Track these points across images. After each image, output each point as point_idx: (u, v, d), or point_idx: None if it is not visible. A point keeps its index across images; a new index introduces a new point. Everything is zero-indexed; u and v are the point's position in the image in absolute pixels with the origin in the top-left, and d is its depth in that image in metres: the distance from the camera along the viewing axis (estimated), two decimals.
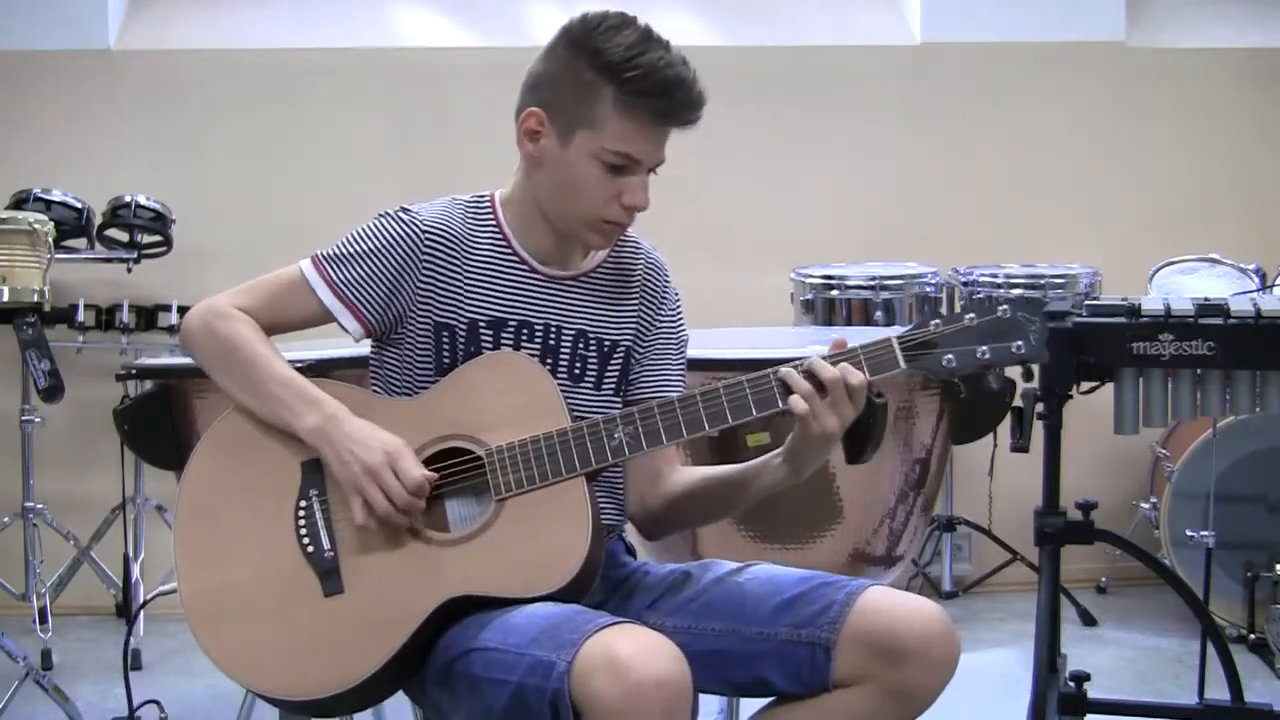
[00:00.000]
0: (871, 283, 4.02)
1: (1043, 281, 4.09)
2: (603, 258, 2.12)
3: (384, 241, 2.03)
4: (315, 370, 2.06)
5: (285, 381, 1.98)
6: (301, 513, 1.96)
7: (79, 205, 4.09)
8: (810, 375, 1.90)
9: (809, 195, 4.63)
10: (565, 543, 1.89)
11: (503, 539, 1.91)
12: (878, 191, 4.65)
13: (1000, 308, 1.90)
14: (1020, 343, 1.89)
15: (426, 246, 2.03)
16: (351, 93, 4.55)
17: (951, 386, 1.95)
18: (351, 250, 2.03)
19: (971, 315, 1.90)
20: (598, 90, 1.95)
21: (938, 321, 1.91)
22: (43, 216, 3.75)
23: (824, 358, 1.91)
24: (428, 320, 2.04)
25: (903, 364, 1.91)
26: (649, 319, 2.15)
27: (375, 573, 1.92)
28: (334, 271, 2.02)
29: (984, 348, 1.90)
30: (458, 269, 2.04)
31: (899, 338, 1.92)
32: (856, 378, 1.89)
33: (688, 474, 2.14)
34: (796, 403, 1.89)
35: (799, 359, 1.92)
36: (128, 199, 4.13)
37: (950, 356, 1.90)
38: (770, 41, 4.71)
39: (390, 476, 1.90)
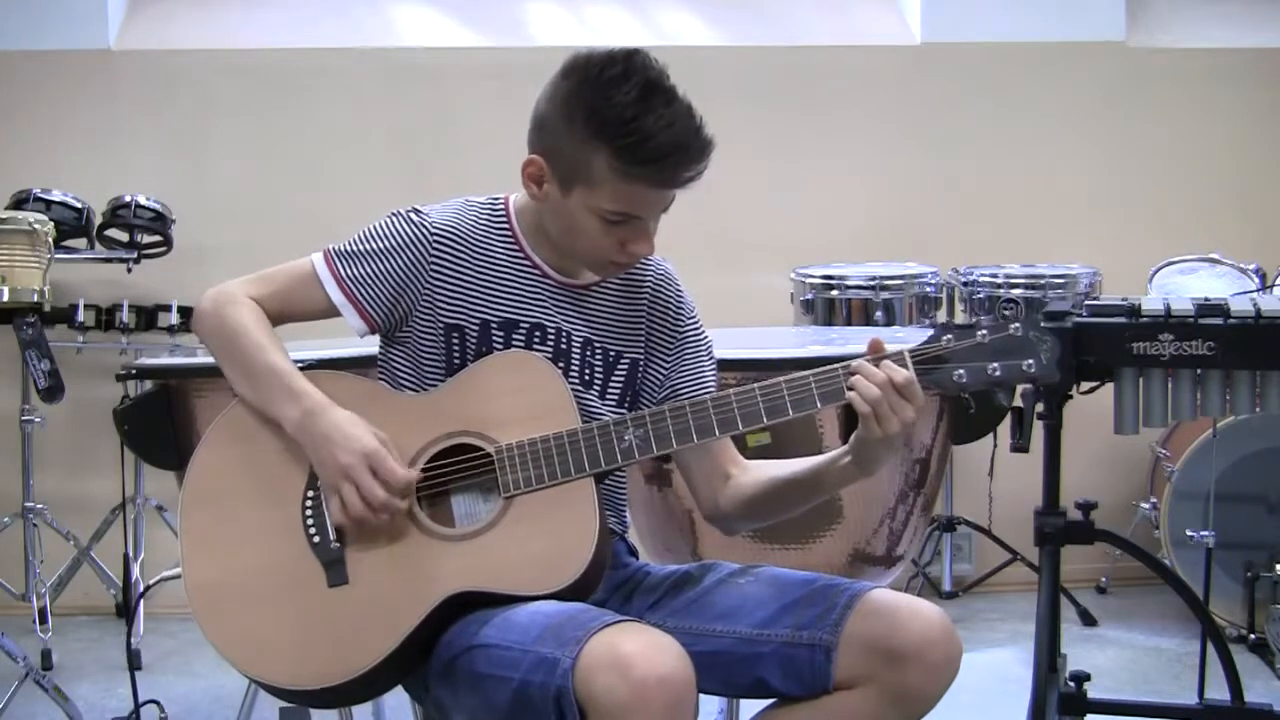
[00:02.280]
0: (871, 283, 4.02)
1: (1043, 281, 4.09)
2: None
3: (394, 242, 2.03)
4: (322, 368, 2.06)
5: (275, 372, 1.98)
6: (309, 503, 1.96)
7: (79, 205, 4.09)
8: (868, 378, 1.88)
9: (809, 195, 4.63)
10: (571, 543, 1.90)
11: (509, 537, 1.91)
12: (878, 191, 4.65)
13: (1013, 325, 1.89)
14: (1031, 361, 1.88)
15: (435, 248, 2.03)
16: (351, 92, 4.55)
17: (960, 400, 1.95)
18: (362, 248, 2.03)
19: (984, 332, 1.90)
20: (593, 151, 1.90)
21: (950, 336, 1.91)
22: (43, 216, 3.75)
23: (867, 358, 1.90)
24: (436, 321, 2.03)
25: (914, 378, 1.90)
26: (664, 330, 2.15)
27: (380, 566, 1.92)
28: (343, 267, 2.03)
29: (995, 365, 1.89)
30: (468, 271, 2.04)
31: (912, 351, 1.91)
32: (902, 375, 1.87)
33: (757, 475, 2.11)
34: (859, 404, 1.87)
35: (843, 359, 1.91)
36: (128, 199, 4.13)
37: (961, 372, 1.90)
38: (770, 41, 4.71)
39: (366, 476, 1.89)
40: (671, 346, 2.15)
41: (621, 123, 1.88)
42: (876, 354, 1.91)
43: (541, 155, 1.97)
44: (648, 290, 2.14)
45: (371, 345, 2.18)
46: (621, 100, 1.88)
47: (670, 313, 2.15)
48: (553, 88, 1.96)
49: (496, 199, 2.10)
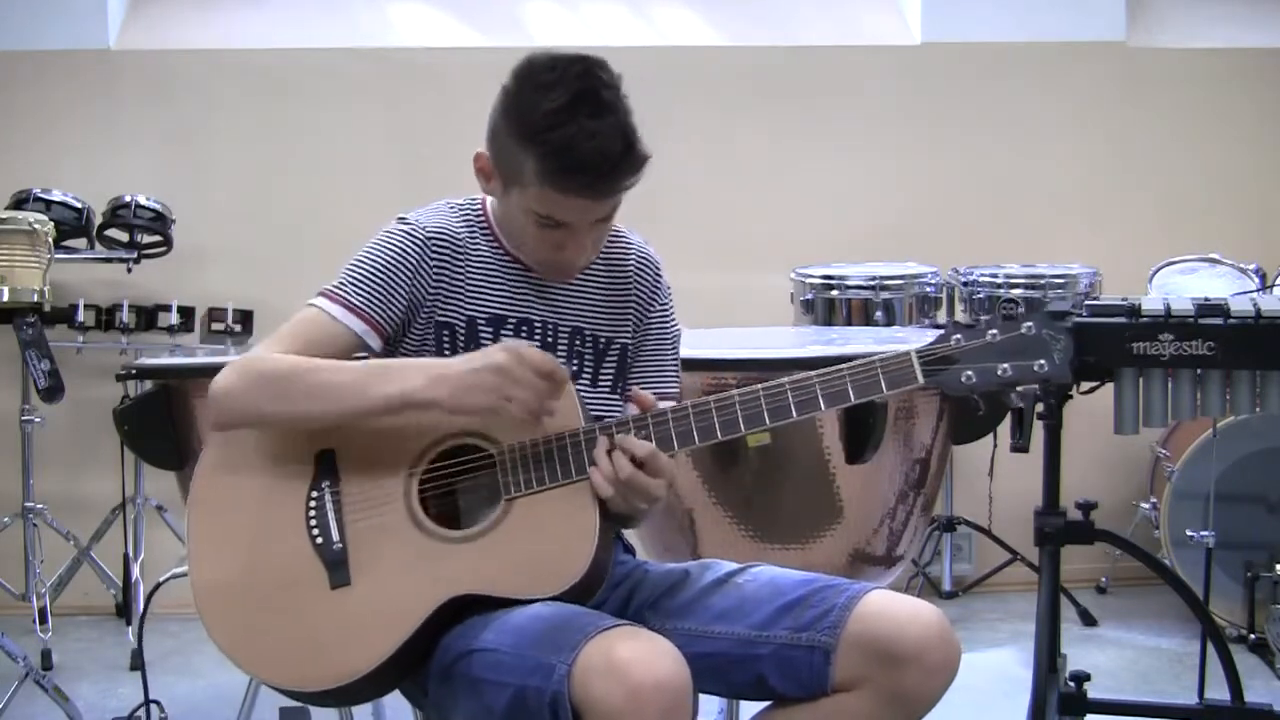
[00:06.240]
0: (871, 283, 4.01)
1: (1043, 281, 4.09)
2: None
3: (393, 255, 2.01)
4: None
5: (358, 369, 1.93)
6: (313, 504, 1.96)
7: (79, 205, 4.09)
8: (603, 472, 1.89)
9: (809, 195, 4.63)
10: (571, 546, 1.89)
11: (510, 539, 1.91)
12: (878, 191, 4.65)
13: (1025, 324, 1.85)
14: (1043, 361, 1.85)
15: (432, 252, 2.03)
16: (351, 93, 4.55)
17: (969, 402, 1.90)
18: (364, 271, 2.01)
19: (994, 331, 1.86)
20: (522, 154, 1.91)
21: (959, 337, 1.88)
22: (43, 216, 3.76)
23: (630, 424, 1.92)
24: (428, 320, 2.03)
25: (921, 379, 1.88)
26: (641, 313, 2.15)
27: (382, 567, 1.92)
28: (353, 296, 2.00)
29: (1005, 365, 1.86)
30: (459, 270, 2.04)
31: (919, 352, 1.89)
32: (636, 478, 1.88)
33: None
34: (602, 488, 1.89)
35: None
36: (128, 199, 4.13)
37: (970, 373, 1.87)
38: (770, 41, 4.71)
39: (521, 369, 1.86)
40: (637, 330, 2.15)
41: (543, 130, 1.88)
42: (643, 410, 1.93)
43: (488, 151, 1.99)
44: (632, 271, 2.15)
45: None
46: (548, 107, 1.88)
47: (645, 296, 2.16)
48: (504, 88, 1.97)
49: (474, 199, 2.11)
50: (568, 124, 1.87)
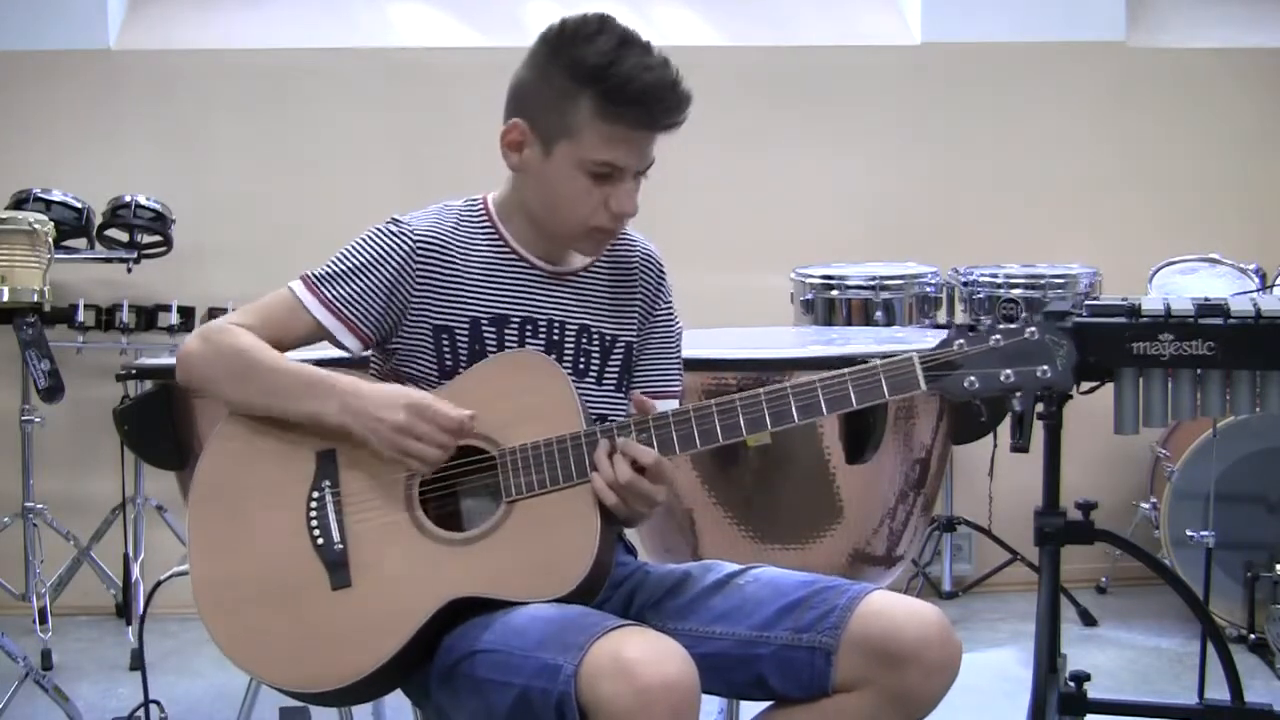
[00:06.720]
0: (871, 283, 4.02)
1: (1043, 281, 4.09)
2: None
3: (376, 254, 2.02)
4: None
5: (297, 374, 1.98)
6: (314, 504, 1.96)
7: (79, 205, 4.09)
8: (605, 479, 1.90)
9: (809, 195, 4.63)
10: (574, 549, 1.89)
11: (510, 541, 1.91)
12: (878, 191, 4.65)
13: (1028, 330, 1.86)
14: (1046, 367, 1.85)
15: (419, 255, 2.02)
16: (351, 93, 4.55)
17: (972, 408, 1.90)
18: (344, 266, 2.02)
19: (997, 337, 1.86)
20: (576, 100, 1.93)
21: (961, 341, 1.87)
22: (43, 216, 3.76)
23: (631, 426, 1.92)
24: (425, 324, 2.03)
25: (923, 385, 1.88)
26: (646, 310, 2.15)
27: (383, 569, 1.92)
28: (327, 290, 2.01)
29: (1008, 371, 1.86)
30: (454, 272, 2.04)
31: (921, 356, 1.88)
32: (637, 483, 1.89)
33: None
34: (605, 495, 1.89)
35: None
36: (128, 199, 4.13)
37: (973, 378, 1.87)
38: (770, 41, 4.72)
39: (423, 425, 1.90)
40: (642, 327, 2.15)
41: (603, 67, 1.92)
42: (641, 414, 1.93)
43: (522, 118, 1.99)
44: (637, 268, 2.15)
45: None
46: (601, 48, 1.93)
47: (650, 293, 2.16)
48: (531, 55, 2.00)
49: (474, 199, 2.11)
50: (625, 60, 1.92)
